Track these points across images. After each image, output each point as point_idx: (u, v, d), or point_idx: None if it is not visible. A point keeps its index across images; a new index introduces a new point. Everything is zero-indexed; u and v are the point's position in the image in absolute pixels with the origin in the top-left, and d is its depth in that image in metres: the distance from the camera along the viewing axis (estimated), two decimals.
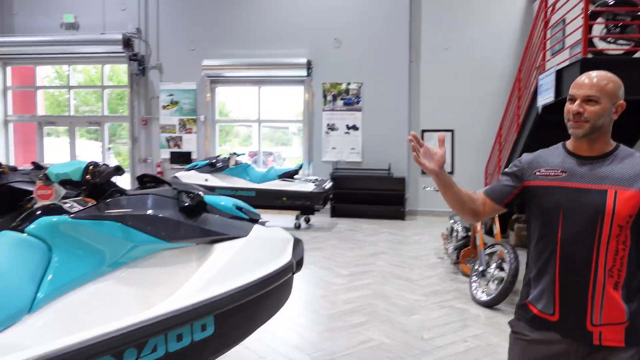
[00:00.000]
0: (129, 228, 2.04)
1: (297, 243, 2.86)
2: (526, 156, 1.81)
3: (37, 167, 4.08)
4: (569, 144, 1.72)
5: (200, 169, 8.99)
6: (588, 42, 4.35)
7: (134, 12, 11.03)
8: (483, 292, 4.57)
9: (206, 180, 8.78)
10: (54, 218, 1.94)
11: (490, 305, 4.40)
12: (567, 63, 4.79)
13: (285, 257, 2.58)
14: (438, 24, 10.13)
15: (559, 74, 4.74)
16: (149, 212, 2.12)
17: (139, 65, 10.94)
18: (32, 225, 1.91)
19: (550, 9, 5.47)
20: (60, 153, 12.18)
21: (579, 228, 1.60)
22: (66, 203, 2.04)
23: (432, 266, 5.92)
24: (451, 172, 9.99)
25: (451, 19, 10.05)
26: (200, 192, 2.32)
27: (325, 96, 10.47)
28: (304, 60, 10.22)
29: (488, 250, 4.78)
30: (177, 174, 9.08)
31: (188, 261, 2.22)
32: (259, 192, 8.47)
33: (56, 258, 1.91)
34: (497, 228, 5.17)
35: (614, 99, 1.64)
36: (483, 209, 1.82)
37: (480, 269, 4.70)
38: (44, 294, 1.82)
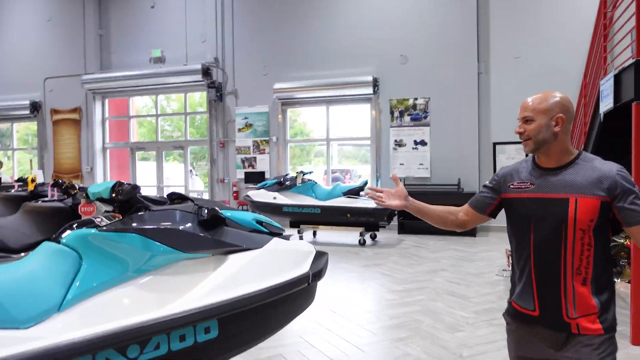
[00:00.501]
0: (148, 239, 2.29)
1: (320, 256, 2.97)
2: (502, 170, 2.03)
3: (72, 187, 4.62)
4: (536, 157, 1.90)
5: (269, 187, 9.38)
6: None
7: (212, 43, 11.87)
8: None
9: (274, 198, 9.15)
10: (81, 230, 2.24)
11: None
12: (625, 65, 4.50)
13: (300, 268, 2.71)
14: (508, 31, 9.84)
15: (618, 78, 4.47)
16: (167, 225, 2.36)
17: (217, 92, 11.70)
18: (65, 237, 2.23)
19: (611, 7, 5.18)
20: (150, 175, 13.27)
21: (547, 234, 1.79)
22: (97, 218, 2.34)
23: (492, 284, 5.72)
24: None
25: (522, 25, 9.73)
26: (216, 208, 2.53)
27: (392, 112, 10.51)
28: (369, 78, 10.37)
29: None
30: (248, 193, 9.56)
31: (204, 270, 2.42)
32: (324, 209, 8.67)
33: (85, 265, 2.19)
34: None
35: (550, 114, 1.82)
36: (467, 218, 2.07)
37: None
38: (72, 296, 2.10)
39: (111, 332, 1.92)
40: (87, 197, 2.49)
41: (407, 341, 3.95)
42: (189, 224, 2.44)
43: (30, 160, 12.60)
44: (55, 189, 4.55)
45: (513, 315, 1.92)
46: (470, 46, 9.94)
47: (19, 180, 6.26)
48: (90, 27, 12.85)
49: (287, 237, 3.01)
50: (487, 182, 2.04)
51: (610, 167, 1.78)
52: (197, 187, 14.28)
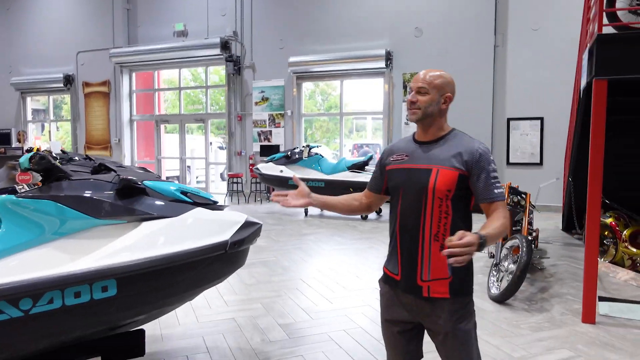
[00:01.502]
0: (61, 206, 2.50)
1: (249, 226, 3.11)
2: (386, 147, 2.15)
3: (87, 158, 4.88)
4: (416, 132, 2.02)
5: (277, 160, 9.58)
6: (611, 15, 3.89)
7: (232, 16, 12.01)
8: (498, 287, 4.38)
9: (281, 171, 9.35)
10: (3, 197, 2.48)
11: (499, 300, 4.21)
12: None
13: (219, 237, 2.87)
14: (527, 2, 9.44)
15: (591, 52, 4.30)
16: (80, 193, 2.57)
17: (234, 66, 11.89)
18: None
19: None
20: (173, 147, 13.74)
21: (410, 201, 1.91)
22: (19, 186, 2.58)
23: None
24: (540, 163, 9.32)
25: None
26: (132, 178, 2.72)
27: (405, 87, 10.39)
28: (382, 52, 10.25)
29: (509, 244, 4.55)
30: (257, 166, 9.79)
31: (117, 235, 2.62)
32: (328, 182, 8.79)
33: (2, 228, 2.44)
34: (525, 221, 4.86)
35: (442, 91, 1.93)
36: (369, 200, 2.19)
37: (495, 262, 4.49)
38: None
39: (4, 285, 2.15)
40: (20, 167, 2.72)
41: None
42: (103, 193, 2.64)
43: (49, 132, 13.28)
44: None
45: (384, 280, 2.04)
46: (487, 18, 9.63)
47: (29, 150, 6.71)
48: (118, 1, 13.24)
49: (220, 207, 3.18)
50: (376, 162, 2.17)
51: (473, 144, 1.90)
52: (222, 160, 14.67)
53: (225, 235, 2.92)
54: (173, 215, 2.78)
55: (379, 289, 2.08)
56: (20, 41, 14.88)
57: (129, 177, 2.71)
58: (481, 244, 1.64)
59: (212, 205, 3.11)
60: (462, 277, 1.88)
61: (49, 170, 2.67)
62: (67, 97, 14.66)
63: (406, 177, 1.94)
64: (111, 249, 2.50)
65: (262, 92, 11.79)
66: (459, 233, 1.62)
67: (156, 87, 13.75)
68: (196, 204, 3.00)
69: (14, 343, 2.23)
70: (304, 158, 9.31)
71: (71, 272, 2.30)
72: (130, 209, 2.65)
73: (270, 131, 11.79)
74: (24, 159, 2.69)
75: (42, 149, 6.49)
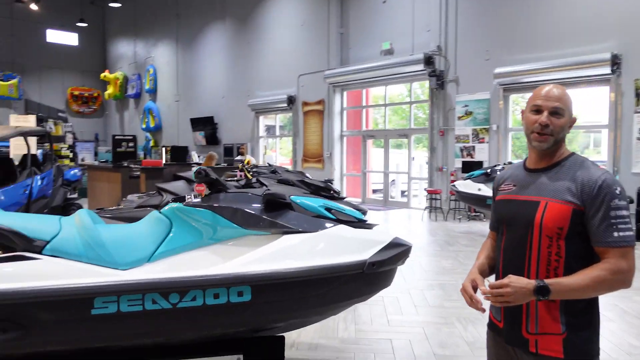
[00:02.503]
0: (216, 215, 2.81)
1: (394, 247, 3.02)
2: (500, 173, 1.92)
3: (275, 172, 5.40)
4: (528, 157, 1.78)
5: (475, 178, 9.07)
6: None
7: (436, 31, 11.89)
8: None
9: (479, 189, 8.81)
10: (175, 204, 2.91)
11: None
12: None
13: (356, 256, 2.85)
14: None
15: None
16: (232, 205, 2.85)
17: (437, 80, 11.71)
18: (164, 208, 2.93)
19: None
20: (379, 161, 14.18)
21: (513, 239, 1.66)
22: (188, 196, 2.99)
23: None
24: None
25: None
26: (279, 193, 2.89)
27: (638, 95, 8.76)
28: (607, 56, 8.85)
29: None
30: (455, 183, 9.43)
31: (260, 245, 2.83)
32: None
33: (172, 230, 2.86)
34: None
35: (570, 113, 1.67)
36: (495, 243, 1.85)
37: None
38: (159, 252, 2.77)
39: (159, 280, 2.51)
40: (199, 178, 3.15)
41: None
42: (251, 205, 2.88)
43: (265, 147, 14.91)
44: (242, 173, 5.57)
45: (489, 324, 1.83)
46: None
47: (242, 162, 7.74)
48: (333, 27, 14.36)
49: (368, 226, 3.16)
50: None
51: (594, 172, 1.58)
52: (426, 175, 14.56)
53: (364, 254, 2.88)
54: (313, 230, 2.86)
55: (486, 333, 1.86)
56: (256, 68, 17.32)
57: (275, 192, 2.90)
58: (539, 291, 1.45)
59: (356, 223, 3.11)
60: (582, 335, 1.55)
61: (211, 183, 3.03)
62: (290, 116, 16.46)
63: (510, 210, 1.69)
64: (250, 258, 2.70)
65: (466, 106, 11.32)
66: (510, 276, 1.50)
67: (364, 104, 14.42)
68: (339, 221, 3.04)
69: (164, 330, 2.58)
70: None
71: (211, 275, 2.56)
72: (273, 222, 2.83)
73: (474, 147, 11.23)
74: (193, 173, 3.11)
75: (251, 162, 7.42)
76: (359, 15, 13.99)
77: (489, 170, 8.96)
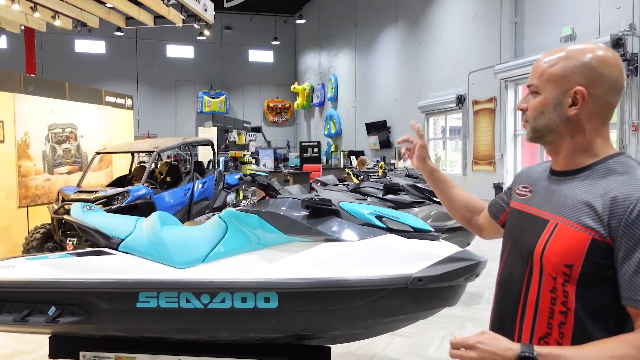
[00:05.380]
0: (262, 220, 2.85)
1: (456, 261, 2.67)
2: (522, 169, 1.48)
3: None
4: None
5: None
6: None
7: (628, 6, 10.03)
8: None
9: None
10: (231, 209, 3.04)
11: None
12: None
13: (401, 268, 2.59)
14: None
15: None
16: (275, 210, 2.85)
17: (629, 65, 9.85)
18: (222, 213, 3.09)
19: None
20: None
21: (513, 268, 1.23)
22: (244, 201, 3.09)
23: None
24: None
25: None
26: (322, 198, 2.79)
27: None
28: None
29: None
30: None
31: (299, 252, 2.77)
32: None
33: (227, 234, 3.00)
34: None
35: (565, 84, 1.15)
36: (483, 222, 1.56)
37: None
38: (213, 254, 2.94)
39: (192, 280, 2.65)
40: (243, 183, 3.26)
41: None
42: (294, 212, 2.84)
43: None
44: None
45: None
46: None
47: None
48: (505, 17, 13.21)
49: (433, 237, 2.87)
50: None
51: (634, 186, 1.04)
52: None
53: (411, 268, 2.63)
54: (354, 239, 2.71)
55: None
56: (426, 69, 16.95)
57: (318, 198, 2.82)
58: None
59: (412, 233, 2.84)
60: None
61: (264, 188, 3.08)
62: (459, 116, 15.67)
63: (517, 225, 1.26)
64: (285, 264, 2.69)
65: None
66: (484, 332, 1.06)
67: None
68: (391, 230, 2.81)
69: (198, 329, 2.72)
70: None
71: (240, 280, 2.61)
72: (312, 229, 2.76)
73: None
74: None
75: (364, 166, 7.25)
76: (535, 0, 12.60)
77: None
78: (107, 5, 10.45)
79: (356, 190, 5.68)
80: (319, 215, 2.82)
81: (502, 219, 1.45)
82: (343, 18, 23.52)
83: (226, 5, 10.14)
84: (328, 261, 2.63)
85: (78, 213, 3.21)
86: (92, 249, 3.01)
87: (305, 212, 2.85)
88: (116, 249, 2.96)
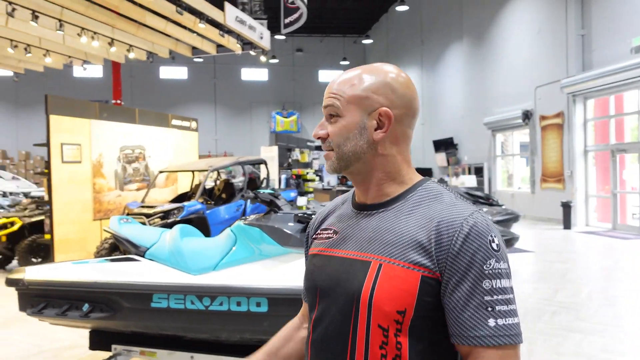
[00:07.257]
0: (263, 233, 3.18)
1: None
2: (320, 210, 1.27)
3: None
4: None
5: None
6: None
7: None
8: None
9: None
10: (240, 222, 3.39)
11: None
12: None
13: None
14: None
15: None
16: (273, 224, 3.16)
17: None
18: (233, 226, 3.46)
19: None
20: (634, 180, 11.79)
21: (330, 324, 1.02)
22: (252, 215, 3.43)
23: None
24: None
25: None
26: (312, 212, 3.07)
27: None
28: None
29: None
30: None
31: (295, 261, 3.06)
32: None
33: (236, 245, 3.35)
34: None
35: (368, 106, 1.01)
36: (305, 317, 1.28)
37: None
38: (222, 263, 3.31)
39: (195, 285, 3.01)
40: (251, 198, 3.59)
41: None
42: (290, 224, 3.14)
43: None
44: None
45: None
46: None
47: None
48: (572, 29, 12.75)
49: None
50: None
51: (456, 212, 0.95)
52: None
53: None
54: None
55: None
56: (491, 85, 16.61)
57: (309, 212, 3.10)
58: None
59: None
60: None
61: (268, 204, 3.41)
62: (525, 132, 15.17)
63: (326, 273, 1.05)
64: (279, 273, 2.99)
65: None
66: None
67: (612, 114, 12.25)
68: None
69: (203, 328, 3.07)
70: None
71: (235, 285, 2.94)
72: (302, 240, 3.04)
73: None
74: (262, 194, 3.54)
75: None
76: (603, 11, 12.07)
77: None
78: (172, 37, 11.46)
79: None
80: None
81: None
82: (409, 36, 23.65)
83: (283, 31, 10.73)
84: None
85: (115, 225, 3.72)
86: (124, 256, 3.49)
87: (300, 226, 3.13)
88: (143, 256, 3.41)
